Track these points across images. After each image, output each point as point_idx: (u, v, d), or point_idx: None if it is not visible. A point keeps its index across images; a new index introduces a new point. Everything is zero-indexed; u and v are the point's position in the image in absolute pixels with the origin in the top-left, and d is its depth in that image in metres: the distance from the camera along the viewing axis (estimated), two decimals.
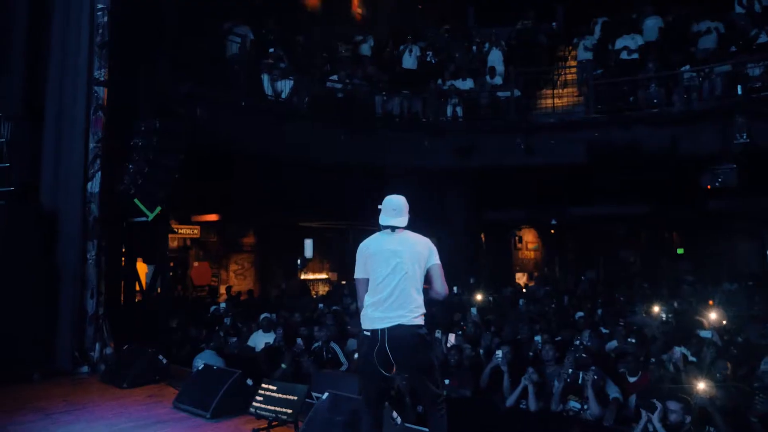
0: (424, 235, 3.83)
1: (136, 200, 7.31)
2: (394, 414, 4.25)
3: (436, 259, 3.71)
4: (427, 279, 3.69)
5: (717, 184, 9.42)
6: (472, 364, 6.68)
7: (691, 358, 6.26)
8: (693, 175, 10.76)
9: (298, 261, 17.21)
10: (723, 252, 16.31)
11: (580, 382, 5.36)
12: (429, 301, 3.65)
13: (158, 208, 7.46)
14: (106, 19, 7.30)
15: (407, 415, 4.14)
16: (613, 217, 15.69)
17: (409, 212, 3.80)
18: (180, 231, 14.83)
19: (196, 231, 15.25)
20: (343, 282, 15.90)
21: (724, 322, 8.30)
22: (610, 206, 14.44)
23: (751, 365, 5.72)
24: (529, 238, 20.44)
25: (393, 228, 3.74)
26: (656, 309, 9.92)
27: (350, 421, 4.22)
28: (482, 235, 18.37)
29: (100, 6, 7.27)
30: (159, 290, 8.78)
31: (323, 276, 18.53)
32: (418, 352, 3.57)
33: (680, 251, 18.24)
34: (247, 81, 10.89)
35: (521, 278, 19.62)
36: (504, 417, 5.50)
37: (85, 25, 7.15)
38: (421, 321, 3.60)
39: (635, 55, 11.54)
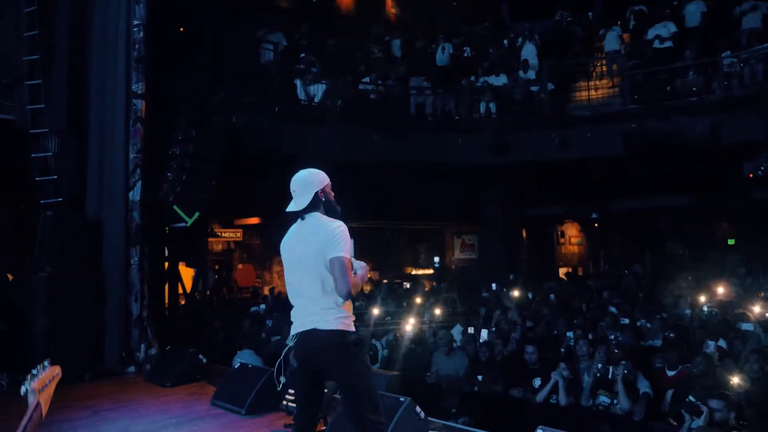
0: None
1: (175, 207, 7.60)
2: (418, 409, 4.35)
3: (337, 251, 2.97)
4: (335, 265, 2.99)
5: (759, 173, 9.11)
6: (504, 360, 6.72)
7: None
8: (736, 163, 10.44)
9: None
10: None
11: (609, 376, 5.33)
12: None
13: (196, 214, 7.74)
14: (141, 34, 7.63)
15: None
16: (656, 209, 15.31)
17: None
18: (223, 234, 15.28)
19: (239, 234, 15.68)
20: (385, 281, 16.06)
21: (760, 310, 8.06)
22: (653, 198, 14.11)
23: None
24: (572, 232, 20.12)
25: (302, 216, 3.15)
26: (700, 302, 9.72)
27: None
28: (523, 231, 18.23)
29: (135, 22, 7.60)
30: (198, 293, 9.09)
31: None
32: (336, 362, 3.00)
33: (731, 242, 17.60)
34: (281, 86, 11.16)
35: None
36: (535, 412, 5.51)
37: (122, 41, 7.49)
38: (339, 325, 2.99)
39: (668, 44, 11.24)
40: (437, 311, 8.44)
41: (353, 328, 3.08)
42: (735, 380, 4.92)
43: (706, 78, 10.57)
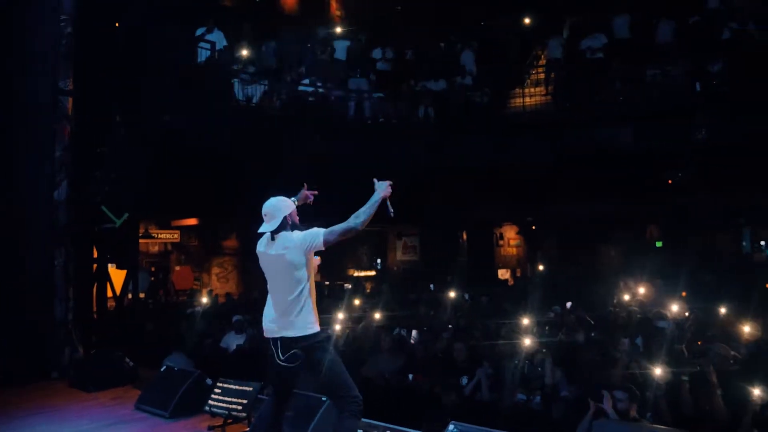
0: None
1: (103, 207, 7.42)
2: None
3: (317, 235, 3.48)
4: (333, 237, 3.50)
5: (677, 178, 9.62)
6: (434, 359, 6.87)
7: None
8: (660, 170, 10.97)
9: None
10: (700, 245, 16.51)
11: (526, 371, 5.54)
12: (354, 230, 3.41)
13: (125, 215, 7.57)
14: (69, 29, 7.42)
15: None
16: (590, 212, 15.89)
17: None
18: (160, 236, 14.95)
19: (176, 235, 15.38)
20: (327, 283, 16.06)
21: (687, 314, 8.52)
22: (585, 202, 14.63)
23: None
24: (510, 234, 20.62)
25: (273, 236, 3.60)
26: (625, 301, 10.18)
27: (298, 416, 4.38)
28: (464, 234, 18.58)
29: (63, 17, 7.39)
30: (130, 295, 8.90)
31: None
32: (306, 361, 3.51)
33: (658, 244, 18.43)
34: (219, 86, 11.02)
35: (504, 274, 19.84)
36: (460, 408, 5.64)
37: (49, 36, 7.28)
38: (307, 330, 3.51)
39: (600, 54, 11.71)
40: (377, 313, 8.53)
41: (317, 329, 3.57)
42: (657, 372, 5.16)
43: (631, 88, 11.07)
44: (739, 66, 10.02)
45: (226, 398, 4.94)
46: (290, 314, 3.50)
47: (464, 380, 6.13)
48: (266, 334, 3.64)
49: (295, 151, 11.65)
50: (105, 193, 7.45)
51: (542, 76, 13.54)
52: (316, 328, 3.55)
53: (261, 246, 3.69)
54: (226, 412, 4.87)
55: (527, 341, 6.20)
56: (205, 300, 12.97)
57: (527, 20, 15.45)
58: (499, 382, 5.89)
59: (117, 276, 9.66)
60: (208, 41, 10.83)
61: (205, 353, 8.20)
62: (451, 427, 3.73)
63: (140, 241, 12.33)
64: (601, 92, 11.23)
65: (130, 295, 8.98)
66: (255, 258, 3.75)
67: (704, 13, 11.48)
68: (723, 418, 4.64)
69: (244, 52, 12.11)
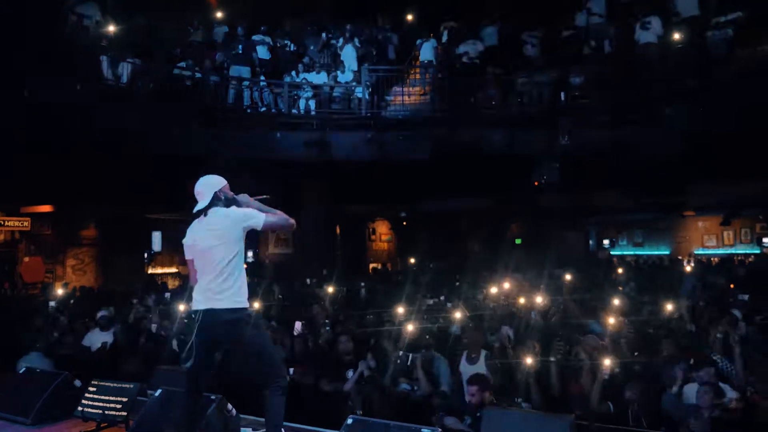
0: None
1: None
2: (229, 406, 4.30)
3: (257, 218, 3.66)
4: (272, 224, 3.76)
5: (543, 181, 10.39)
6: (317, 353, 6.88)
7: None
8: (527, 172, 11.77)
9: (146, 255, 16.42)
10: (553, 242, 17.94)
11: (408, 363, 5.72)
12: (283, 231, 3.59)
13: None
14: None
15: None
16: (458, 210, 16.70)
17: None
18: (7, 223, 13.53)
19: (26, 223, 13.99)
20: None
21: (540, 301, 9.22)
22: (456, 200, 15.33)
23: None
24: (382, 230, 21.11)
25: (205, 212, 3.71)
26: (492, 294, 10.84)
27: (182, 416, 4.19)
28: (338, 228, 18.72)
29: None
30: None
31: (173, 270, 17.87)
32: (232, 332, 3.61)
33: (518, 242, 19.76)
34: (85, 61, 10.15)
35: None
36: (342, 401, 5.70)
37: None
38: (237, 303, 3.60)
39: (476, 60, 12.33)
40: (255, 305, 8.34)
41: (246, 305, 3.67)
42: (529, 361, 5.54)
43: (503, 93, 11.78)
44: (595, 79, 11.06)
45: (102, 398, 4.60)
46: (219, 289, 3.57)
47: (350, 373, 6.19)
48: (194, 306, 3.69)
49: (168, 136, 11.05)
50: None
51: (419, 76, 13.97)
52: (245, 304, 3.64)
53: (195, 224, 3.76)
54: (101, 414, 4.54)
55: (409, 329, 6.41)
56: (60, 291, 12.00)
57: (409, 17, 15.83)
58: (383, 373, 6.03)
59: None
60: (77, 13, 9.90)
61: (65, 352, 7.58)
62: (349, 420, 3.78)
63: None
64: (475, 96, 11.81)
65: None
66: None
67: (572, 29, 12.51)
68: (590, 398, 5.12)
69: (114, 28, 11.22)
